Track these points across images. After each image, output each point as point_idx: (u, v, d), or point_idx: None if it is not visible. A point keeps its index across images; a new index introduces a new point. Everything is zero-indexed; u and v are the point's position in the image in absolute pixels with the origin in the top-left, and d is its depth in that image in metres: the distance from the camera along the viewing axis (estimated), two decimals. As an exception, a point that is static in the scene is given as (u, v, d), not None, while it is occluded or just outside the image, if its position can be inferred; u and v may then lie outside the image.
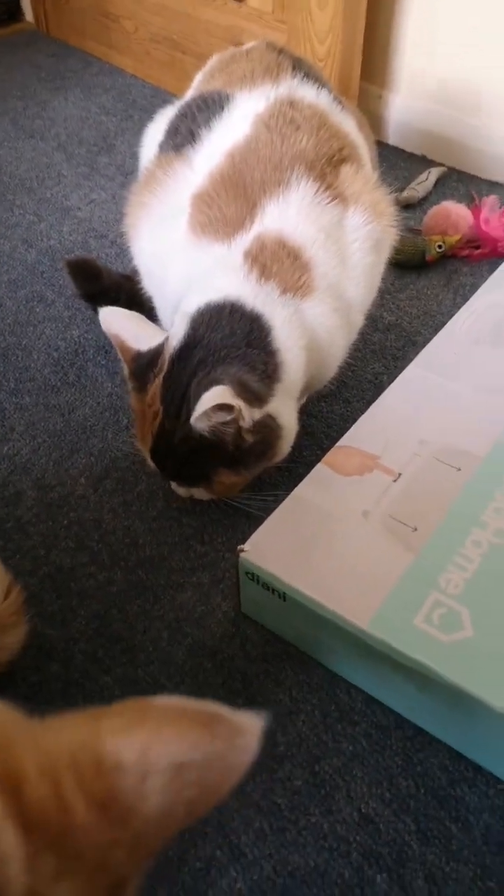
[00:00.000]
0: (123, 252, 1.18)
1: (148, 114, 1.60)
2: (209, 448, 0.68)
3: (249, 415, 0.65)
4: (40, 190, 1.38)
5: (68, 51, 1.90)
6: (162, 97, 1.67)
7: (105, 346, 1.03)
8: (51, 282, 1.16)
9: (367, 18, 1.31)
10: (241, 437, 0.67)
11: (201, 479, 0.72)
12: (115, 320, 0.75)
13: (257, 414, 0.67)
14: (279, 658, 0.69)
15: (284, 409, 0.72)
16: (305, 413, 0.93)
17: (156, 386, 0.69)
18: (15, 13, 2.11)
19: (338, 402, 0.96)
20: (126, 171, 1.42)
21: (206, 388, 0.64)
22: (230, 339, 0.67)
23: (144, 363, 0.72)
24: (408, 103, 1.43)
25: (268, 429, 0.69)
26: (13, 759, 0.24)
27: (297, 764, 0.62)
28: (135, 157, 1.45)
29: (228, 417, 0.64)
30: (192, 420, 0.65)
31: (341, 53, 1.31)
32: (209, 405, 0.62)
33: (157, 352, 0.71)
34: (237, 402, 0.63)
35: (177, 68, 1.65)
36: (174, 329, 0.71)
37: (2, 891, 0.22)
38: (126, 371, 0.75)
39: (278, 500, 0.72)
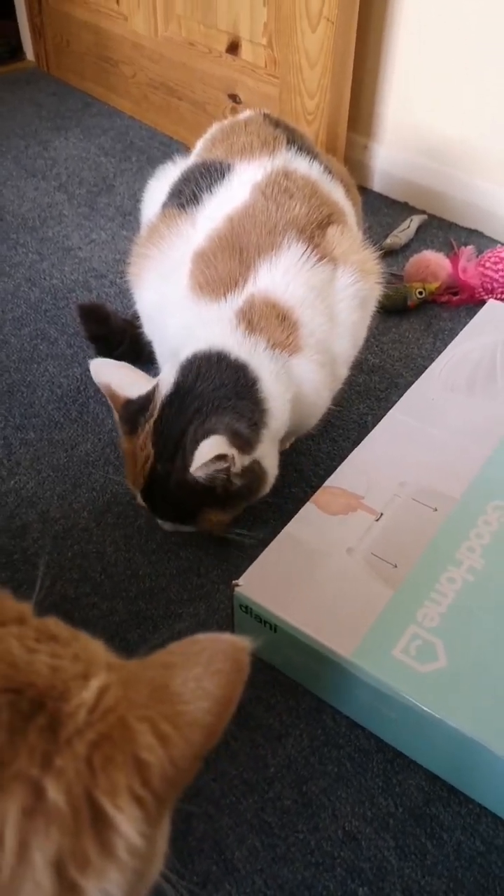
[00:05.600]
0: (123, 292, 1.24)
1: (145, 155, 1.69)
2: (199, 491, 0.73)
3: (240, 461, 0.71)
4: (42, 229, 1.44)
5: (68, 90, 1.97)
6: (158, 140, 1.75)
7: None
8: (53, 320, 1.21)
9: (354, 75, 1.40)
10: (229, 481, 0.73)
11: (190, 517, 0.77)
12: (106, 370, 0.80)
13: (246, 460, 0.73)
14: (270, 685, 0.74)
15: (268, 453, 0.78)
16: (294, 451, 0.99)
17: (147, 431, 0.74)
18: (16, 51, 2.19)
19: (325, 441, 1.02)
20: (125, 212, 1.49)
21: (203, 437, 0.69)
22: (221, 389, 0.72)
23: (135, 409, 0.77)
24: (391, 153, 1.51)
25: (253, 473, 0.75)
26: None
27: (286, 785, 0.67)
28: (133, 198, 1.52)
29: (223, 465, 0.70)
30: (193, 469, 0.70)
31: (330, 108, 1.39)
32: (209, 456, 0.68)
33: (147, 398, 0.76)
34: (231, 451, 0.69)
35: (173, 113, 1.72)
36: (163, 376, 0.76)
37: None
38: (116, 416, 0.80)
39: (266, 536, 0.78)
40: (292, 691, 0.74)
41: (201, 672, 0.32)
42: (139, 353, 1.03)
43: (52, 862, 0.26)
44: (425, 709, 0.63)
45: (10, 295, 1.27)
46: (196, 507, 0.76)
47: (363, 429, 1.02)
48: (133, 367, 0.81)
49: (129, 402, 0.78)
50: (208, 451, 0.68)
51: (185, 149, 1.29)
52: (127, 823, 0.27)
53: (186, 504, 0.75)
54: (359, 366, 1.14)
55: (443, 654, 0.66)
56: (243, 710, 0.72)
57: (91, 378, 1.07)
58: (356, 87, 1.43)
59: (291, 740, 0.70)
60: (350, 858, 0.63)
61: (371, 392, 1.11)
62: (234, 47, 1.50)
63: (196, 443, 0.70)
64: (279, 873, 0.62)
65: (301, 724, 0.71)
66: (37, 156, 1.68)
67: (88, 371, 1.16)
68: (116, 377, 0.79)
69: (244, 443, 0.72)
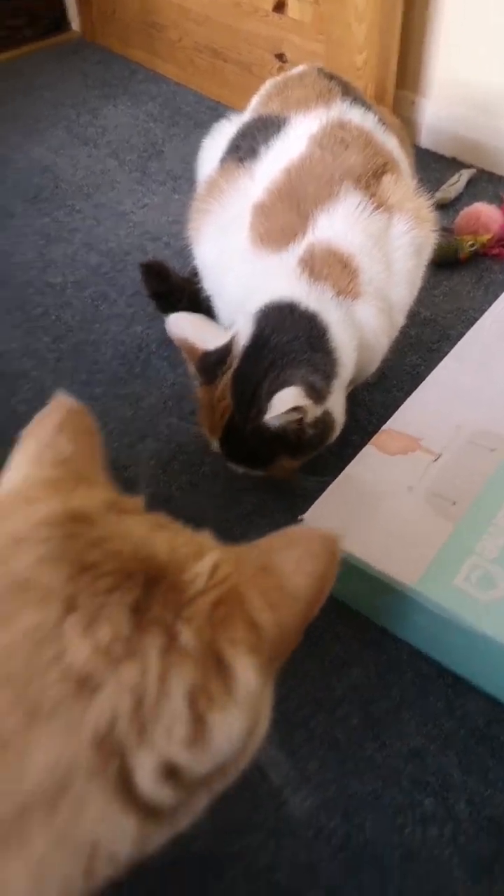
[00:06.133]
0: (176, 254, 1.27)
1: (192, 120, 1.71)
2: (274, 439, 0.76)
3: (313, 412, 0.74)
4: (97, 195, 1.47)
5: (114, 59, 1.99)
6: (205, 104, 1.76)
7: (166, 339, 1.12)
8: (112, 282, 1.25)
9: (401, 30, 1.39)
10: (303, 430, 0.76)
11: (264, 464, 0.81)
12: (182, 324, 0.83)
13: (318, 411, 0.76)
14: (336, 617, 0.78)
15: (337, 403, 0.81)
16: (349, 400, 1.02)
17: (225, 382, 0.78)
18: (60, 23, 2.21)
19: (379, 392, 1.05)
20: (175, 176, 1.52)
21: (279, 388, 0.72)
22: (295, 341, 0.75)
23: (213, 361, 0.80)
24: (439, 108, 1.50)
25: (324, 422, 0.78)
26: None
27: (353, 706, 0.71)
28: (182, 162, 1.55)
29: (298, 416, 0.73)
30: (267, 419, 0.73)
31: (377, 63, 1.39)
32: (286, 407, 0.71)
33: (225, 350, 0.80)
34: (306, 403, 0.72)
35: (219, 76, 1.73)
36: (239, 328, 0.79)
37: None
38: (191, 368, 0.84)
39: (327, 481, 0.81)
40: (357, 622, 0.77)
41: (301, 554, 0.35)
42: (197, 309, 1.06)
43: (186, 694, 0.30)
44: (487, 633, 0.66)
45: (70, 259, 1.31)
46: (270, 454, 0.79)
47: (416, 379, 1.04)
48: (207, 319, 0.84)
49: (207, 354, 0.81)
50: (284, 403, 0.71)
51: (233, 112, 1.31)
52: (244, 671, 0.31)
53: (262, 451, 0.79)
54: (411, 318, 1.15)
55: (502, 583, 0.69)
56: (312, 638, 0.76)
57: (151, 336, 1.11)
58: (404, 41, 1.42)
59: (357, 667, 0.74)
60: (415, 773, 0.67)
61: (423, 344, 1.12)
62: (280, 5, 1.50)
63: (272, 394, 0.73)
64: (349, 784, 0.66)
65: (366, 652, 0.75)
66: (87, 124, 1.71)
67: (149, 329, 1.21)
68: (193, 330, 0.82)
69: (317, 395, 0.75)
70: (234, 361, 0.77)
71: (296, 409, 0.72)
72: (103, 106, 1.78)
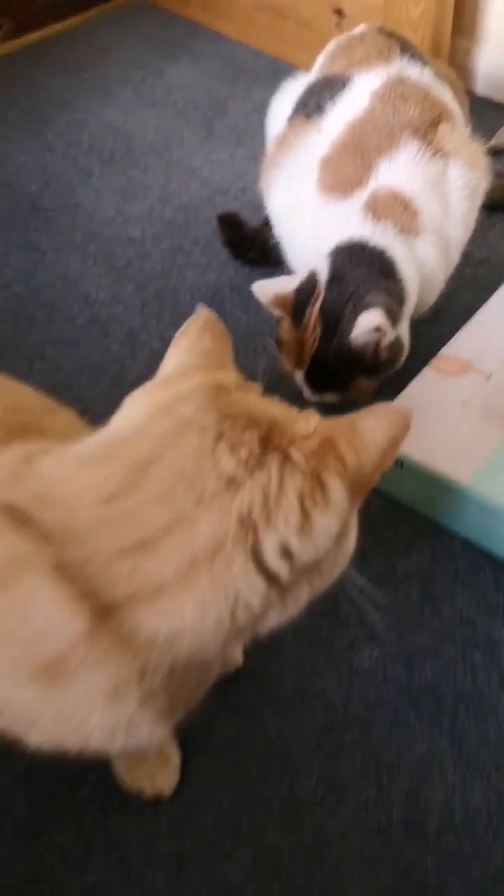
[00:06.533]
0: (244, 206, 1.38)
1: (253, 76, 1.80)
2: (355, 360, 0.88)
3: (390, 335, 0.86)
4: (167, 153, 1.59)
5: (174, 20, 2.07)
6: (265, 61, 1.84)
7: (237, 285, 1.24)
8: (186, 234, 1.38)
9: (458, -21, 1.44)
10: (379, 352, 0.87)
11: (345, 385, 0.92)
12: (267, 286, 0.93)
13: (393, 335, 0.87)
14: (397, 515, 0.91)
15: (405, 329, 0.92)
16: (411, 333, 1.13)
17: (314, 314, 0.88)
18: (121, -14, 2.30)
19: (435, 326, 1.15)
20: (239, 132, 1.61)
21: (363, 310, 0.83)
22: (370, 272, 0.86)
23: (304, 298, 0.90)
24: (495, 56, 1.55)
25: (396, 346, 0.90)
26: (335, 438, 0.46)
27: (412, 584, 0.84)
28: (245, 119, 1.65)
29: (378, 335, 0.84)
30: (353, 336, 0.84)
31: (434, 13, 1.45)
32: (370, 326, 0.82)
33: (309, 285, 0.90)
34: (387, 323, 0.83)
35: (278, 33, 1.81)
36: (317, 267, 0.90)
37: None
38: (282, 315, 0.93)
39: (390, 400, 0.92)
40: (415, 519, 0.90)
41: (379, 419, 0.47)
42: (267, 256, 1.18)
43: (297, 495, 0.43)
44: (529, 519, 0.78)
45: (147, 214, 1.43)
46: (351, 375, 0.90)
47: (469, 314, 1.14)
48: (279, 278, 0.94)
49: (298, 291, 0.90)
50: (370, 321, 0.83)
51: (292, 68, 1.39)
52: (335, 489, 0.44)
53: (343, 373, 0.90)
54: (466, 258, 1.24)
55: (544, 478, 0.80)
56: (372, 529, 0.89)
57: (224, 282, 1.23)
58: (459, -11, 1.48)
59: (415, 554, 0.87)
60: (467, 634, 0.80)
61: (478, 282, 1.21)
62: (338, -39, 1.56)
63: (356, 315, 0.84)
64: (408, 642, 0.80)
65: (423, 542, 0.88)
66: (153, 85, 1.81)
67: (221, 276, 1.33)
68: (276, 286, 0.92)
69: (393, 318, 0.86)
70: (320, 294, 0.88)
71: (377, 329, 0.83)
72: (167, 67, 1.88)
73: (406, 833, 0.68)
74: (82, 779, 0.74)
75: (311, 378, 0.93)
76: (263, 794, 0.71)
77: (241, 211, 1.40)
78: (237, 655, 0.77)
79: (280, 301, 0.93)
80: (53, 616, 0.42)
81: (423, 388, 0.92)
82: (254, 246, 1.21)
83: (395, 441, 0.47)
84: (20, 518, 0.44)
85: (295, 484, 0.43)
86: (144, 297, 1.27)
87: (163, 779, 0.71)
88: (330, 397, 0.97)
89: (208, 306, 1.23)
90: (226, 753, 0.74)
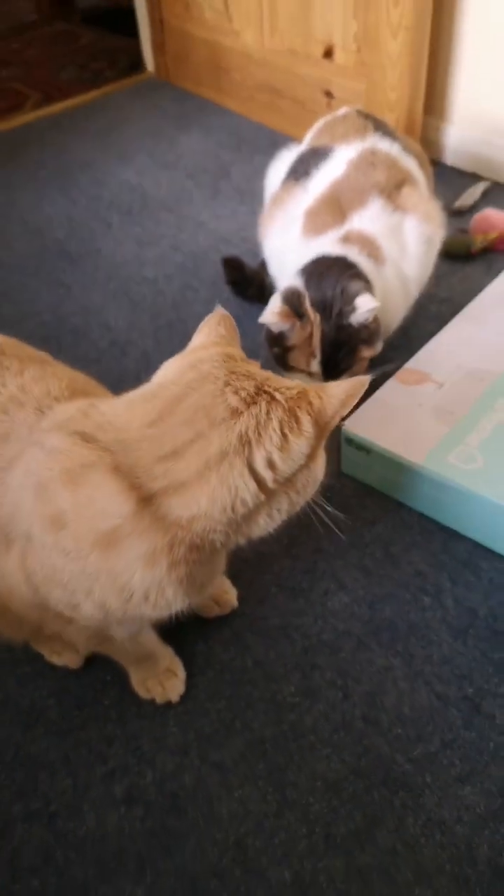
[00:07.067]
0: (244, 253, 1.61)
1: (254, 146, 2.07)
2: (354, 334, 1.07)
3: (375, 308, 1.05)
4: (178, 209, 1.84)
5: (185, 96, 2.37)
6: (264, 133, 2.12)
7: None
8: (195, 275, 1.61)
9: (428, 70, 1.72)
10: (372, 324, 1.07)
11: (351, 358, 1.10)
12: (268, 313, 1.11)
13: (377, 306, 1.07)
14: (364, 495, 1.10)
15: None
16: (379, 359, 1.34)
17: (308, 308, 1.08)
18: (137, 64, 2.61)
19: (405, 351, 1.37)
20: (242, 192, 1.87)
21: (354, 295, 1.04)
22: (338, 267, 1.07)
23: (294, 301, 1.09)
24: (461, 132, 1.83)
25: (377, 319, 1.10)
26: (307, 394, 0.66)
27: (377, 546, 1.04)
28: (247, 181, 1.91)
29: (373, 313, 1.05)
30: (353, 320, 1.05)
31: (408, 98, 1.73)
32: (369, 306, 1.03)
33: (292, 293, 1.09)
34: (376, 301, 1.04)
35: (276, 110, 2.09)
36: (291, 282, 1.11)
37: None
38: (292, 324, 1.14)
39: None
40: (380, 498, 1.10)
41: (341, 381, 0.67)
42: (264, 293, 1.40)
43: (278, 423, 0.62)
44: (469, 489, 0.98)
45: (160, 258, 1.67)
46: (355, 347, 1.09)
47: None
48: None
49: (286, 301, 1.08)
50: (367, 304, 1.03)
51: (288, 140, 1.65)
52: (306, 423, 0.63)
53: (348, 347, 1.08)
54: (431, 297, 1.47)
55: (480, 459, 1.01)
56: (348, 508, 1.09)
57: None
58: (430, 79, 1.76)
59: (379, 525, 1.06)
60: (419, 583, 0.99)
61: (441, 317, 1.44)
62: (328, 53, 1.85)
63: (350, 301, 1.04)
64: (373, 590, 0.99)
65: (386, 515, 1.07)
66: (166, 151, 2.08)
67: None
68: (272, 308, 1.11)
69: (373, 294, 1.08)
70: (304, 294, 1.08)
71: (370, 309, 1.04)
72: (179, 135, 2.15)
73: (365, 725, 0.86)
74: (104, 692, 0.91)
75: (325, 363, 1.11)
76: (251, 699, 0.89)
77: (241, 256, 1.64)
78: (232, 599, 0.96)
79: (282, 314, 1.14)
80: (111, 501, 0.62)
81: (389, 394, 1.13)
82: (253, 284, 1.43)
83: (351, 395, 0.68)
84: (89, 438, 0.64)
85: (278, 415, 0.63)
86: (157, 325, 1.49)
87: (171, 687, 0.89)
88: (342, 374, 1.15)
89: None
90: (222, 673, 0.92)
